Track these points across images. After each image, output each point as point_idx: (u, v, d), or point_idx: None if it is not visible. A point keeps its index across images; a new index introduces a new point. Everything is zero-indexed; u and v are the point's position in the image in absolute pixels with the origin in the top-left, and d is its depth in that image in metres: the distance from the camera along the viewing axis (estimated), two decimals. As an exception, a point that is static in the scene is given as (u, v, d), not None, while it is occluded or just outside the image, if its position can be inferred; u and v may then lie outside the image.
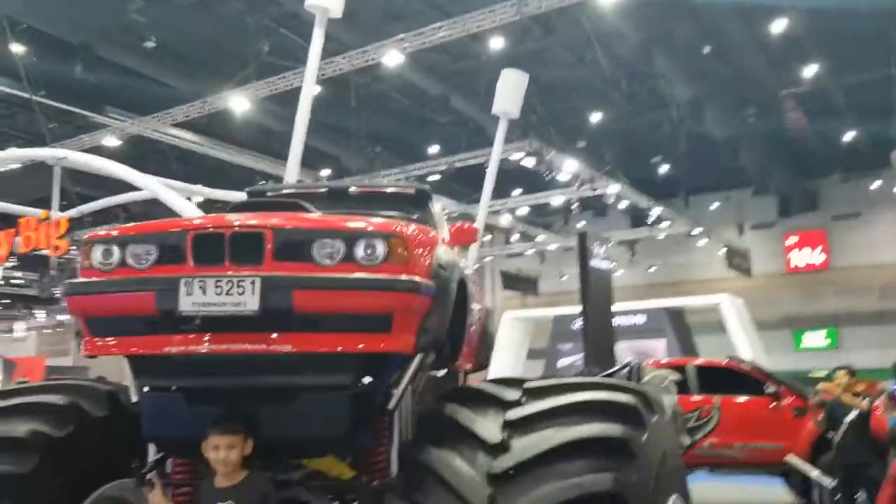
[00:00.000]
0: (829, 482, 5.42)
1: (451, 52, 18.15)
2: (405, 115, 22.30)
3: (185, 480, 3.89)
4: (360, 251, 3.43)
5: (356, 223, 3.59)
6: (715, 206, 30.21)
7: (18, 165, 18.33)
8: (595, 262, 19.08)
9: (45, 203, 15.81)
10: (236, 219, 3.52)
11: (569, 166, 20.99)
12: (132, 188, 15.58)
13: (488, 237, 33.03)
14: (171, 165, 21.74)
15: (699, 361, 11.57)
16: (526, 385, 3.72)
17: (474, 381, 6.37)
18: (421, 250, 3.62)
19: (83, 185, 18.83)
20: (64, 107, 18.62)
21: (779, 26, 16.54)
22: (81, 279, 3.57)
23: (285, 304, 3.32)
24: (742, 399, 10.26)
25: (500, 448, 3.27)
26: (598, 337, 18.65)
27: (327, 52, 13.21)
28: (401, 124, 22.56)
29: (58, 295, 20.40)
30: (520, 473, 3.15)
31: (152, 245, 3.50)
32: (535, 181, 23.74)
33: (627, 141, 23.77)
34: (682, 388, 10.38)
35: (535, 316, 30.79)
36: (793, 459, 5.66)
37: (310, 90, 8.86)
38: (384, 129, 22.40)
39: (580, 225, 28.26)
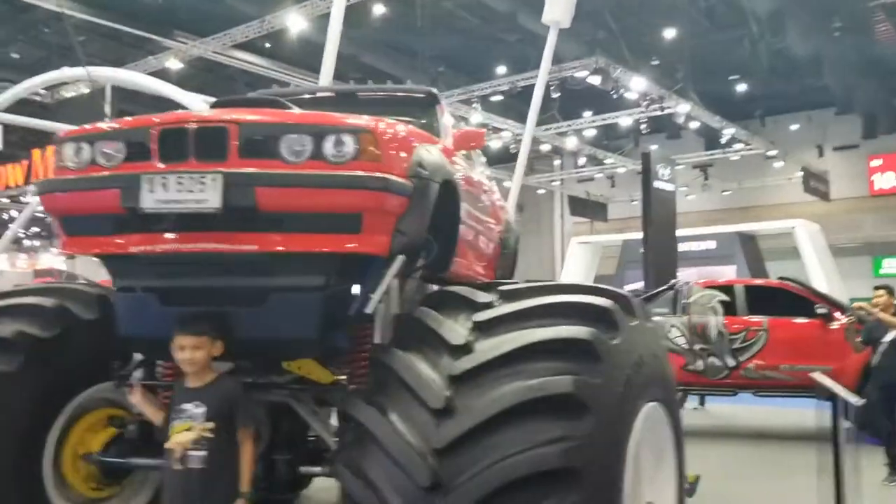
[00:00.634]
0: (856, 401, 5.16)
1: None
2: (472, 34, 21.80)
3: (172, 382, 3.92)
4: (328, 148, 3.30)
5: (325, 118, 3.46)
6: (795, 127, 28.94)
7: (87, 90, 18.80)
8: (659, 184, 18.64)
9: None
10: (201, 114, 3.44)
11: (637, 84, 20.30)
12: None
13: (557, 161, 32.54)
14: (241, 90, 21.94)
15: (748, 281, 11.18)
16: (501, 288, 3.59)
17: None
18: (396, 148, 3.47)
19: (146, 108, 19.18)
20: (131, 30, 18.88)
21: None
22: (52, 178, 3.57)
23: (248, 201, 3.23)
24: (791, 320, 9.90)
25: (464, 350, 3.17)
26: (660, 260, 18.33)
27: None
28: (468, 44, 22.07)
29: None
30: (479, 375, 3.04)
31: (120, 142, 3.45)
32: (605, 102, 23.11)
33: (702, 58, 22.71)
34: (731, 308, 10.13)
35: (603, 241, 30.40)
36: (819, 377, 5.40)
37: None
38: (451, 50, 21.99)
39: (653, 147, 27.48)
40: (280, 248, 3.30)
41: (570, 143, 25.43)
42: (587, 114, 25.05)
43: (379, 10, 19.00)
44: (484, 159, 6.45)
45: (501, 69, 22.96)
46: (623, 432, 3.10)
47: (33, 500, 3.86)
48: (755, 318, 10.03)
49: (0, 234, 18.54)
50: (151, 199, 3.28)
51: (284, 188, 3.27)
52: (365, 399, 3.20)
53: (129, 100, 17.28)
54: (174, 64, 18.85)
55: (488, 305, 3.40)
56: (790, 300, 10.01)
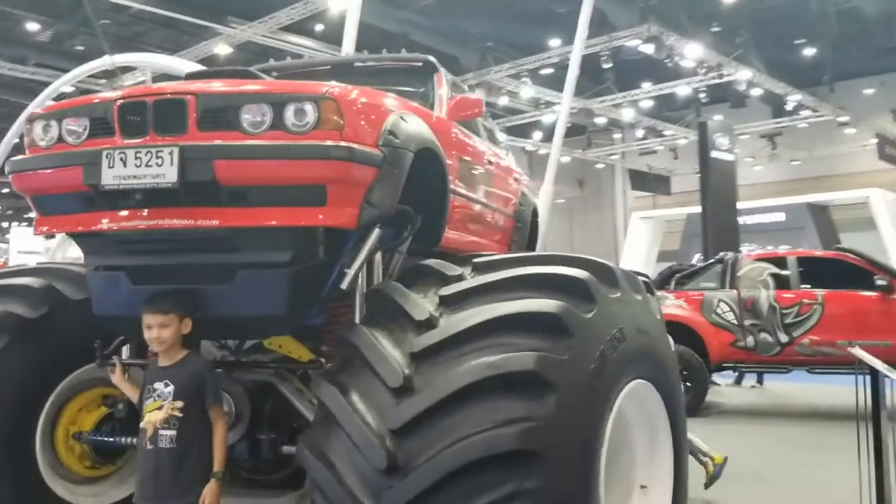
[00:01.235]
0: (896, 376, 4.80)
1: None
2: (522, 8, 21.38)
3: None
4: (289, 117, 3.15)
5: (286, 87, 3.31)
6: (869, 91, 27.66)
7: (142, 78, 19.11)
8: (717, 154, 18.05)
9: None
10: (161, 87, 3.33)
11: (693, 52, 19.64)
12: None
13: (617, 135, 31.85)
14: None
15: (802, 253, 10.67)
16: (476, 260, 3.40)
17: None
18: (363, 116, 3.30)
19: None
20: (186, 18, 19.11)
21: None
22: (21, 156, 3.52)
23: (206, 175, 3.11)
24: (848, 293, 9.38)
25: (427, 326, 3.00)
26: (721, 234, 17.76)
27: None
28: (517, 18, 21.67)
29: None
30: (440, 352, 2.87)
31: (85, 118, 3.38)
32: (664, 72, 22.44)
33: (765, 22, 21.84)
34: (783, 282, 9.68)
35: (665, 216, 29.75)
36: (858, 352, 5.05)
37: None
38: (501, 24, 21.65)
39: (718, 118, 26.62)
40: (242, 224, 3.17)
41: (627, 114, 24.79)
42: (646, 85, 24.38)
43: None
44: (497, 129, 6.22)
45: (555, 42, 22.48)
46: (596, 412, 2.88)
47: (24, 478, 3.85)
48: (809, 291, 9.57)
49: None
50: (111, 175, 3.19)
51: (243, 160, 3.14)
52: (327, 378, 3.06)
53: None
54: (223, 49, 19.00)
55: (458, 278, 3.22)
56: (847, 272, 9.49)
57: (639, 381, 3.20)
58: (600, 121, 26.11)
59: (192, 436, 3.27)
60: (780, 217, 26.70)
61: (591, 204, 36.25)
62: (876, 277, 9.20)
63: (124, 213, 3.26)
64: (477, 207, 4.82)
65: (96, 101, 3.42)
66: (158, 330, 3.28)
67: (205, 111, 3.19)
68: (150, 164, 3.15)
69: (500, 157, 5.60)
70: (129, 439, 3.92)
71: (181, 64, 13.04)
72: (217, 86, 3.35)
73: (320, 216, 3.19)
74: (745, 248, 15.54)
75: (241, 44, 19.38)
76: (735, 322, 9.62)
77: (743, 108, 27.46)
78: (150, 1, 18.49)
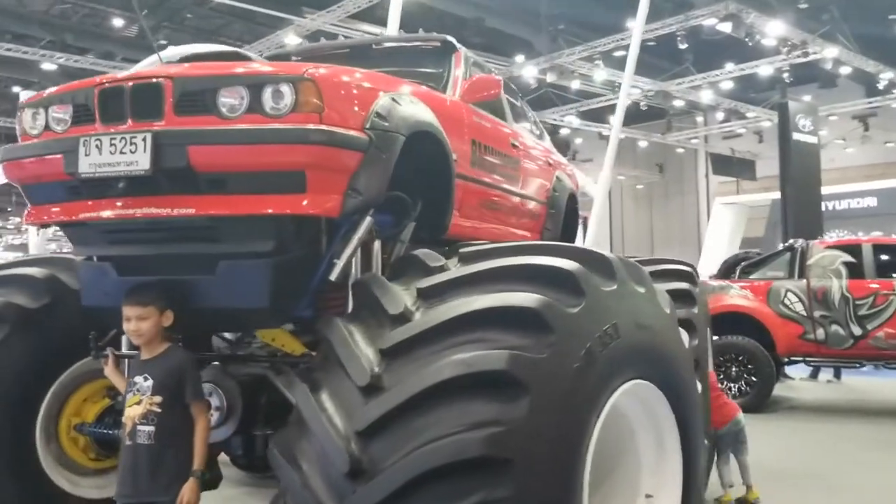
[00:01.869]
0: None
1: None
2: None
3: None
4: (267, 100, 3.01)
5: (264, 69, 3.16)
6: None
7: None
8: (800, 137, 17.23)
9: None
10: (141, 71, 3.23)
11: (774, 30, 18.70)
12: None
13: (700, 118, 30.81)
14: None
15: (878, 240, 10.00)
16: (464, 249, 3.19)
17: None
18: (346, 98, 3.13)
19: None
20: (261, 10, 19.31)
21: None
22: (10, 145, 3.48)
23: (181, 161, 3.00)
24: (928, 283, 8.75)
25: (401, 320, 2.81)
26: (804, 220, 16.97)
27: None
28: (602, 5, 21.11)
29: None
30: (412, 349, 2.67)
31: (69, 105, 3.31)
32: (747, 52, 21.52)
33: (855, -2, 20.71)
34: (857, 271, 9.11)
35: (749, 201, 28.71)
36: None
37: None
38: (575, 6, 21.11)
39: (805, 98, 25.43)
40: (219, 212, 3.05)
41: (706, 97, 23.90)
42: (730, 65, 23.43)
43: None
44: (529, 111, 5.95)
45: (631, 23, 21.75)
46: (579, 416, 2.63)
47: (25, 470, 3.84)
48: (887, 281, 8.96)
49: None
50: (87, 163, 3.12)
51: (218, 146, 3.01)
52: (300, 375, 2.91)
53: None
54: (293, 39, 19.09)
55: (440, 270, 3.02)
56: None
57: (638, 381, 2.93)
58: (678, 103, 25.21)
59: (172, 432, 3.17)
60: (872, 202, 25.45)
61: (671, 189, 35.26)
62: (960, 266, 8.55)
63: (104, 202, 3.19)
64: (498, 194, 4.59)
65: (79, 87, 3.34)
66: (137, 322, 3.18)
67: (181, 95, 3.08)
68: (125, 151, 3.06)
69: (529, 141, 5.35)
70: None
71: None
72: (194, 69, 3.22)
73: (300, 204, 3.04)
74: (832, 235, 14.76)
75: (312, 33, 19.42)
76: (804, 313, 9.10)
77: (833, 87, 26.06)
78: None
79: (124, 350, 3.74)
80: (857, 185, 24.92)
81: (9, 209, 33.31)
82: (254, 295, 3.17)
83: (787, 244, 9.87)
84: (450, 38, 4.82)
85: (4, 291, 3.88)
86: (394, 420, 2.55)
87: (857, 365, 9.31)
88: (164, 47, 21.92)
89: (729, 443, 5.51)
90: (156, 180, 3.05)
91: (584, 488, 2.63)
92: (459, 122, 4.13)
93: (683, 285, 5.26)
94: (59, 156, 3.22)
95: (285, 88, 3.01)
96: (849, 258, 9.16)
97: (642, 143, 31.00)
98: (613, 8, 21.16)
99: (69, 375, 3.97)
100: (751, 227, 28.39)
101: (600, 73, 21.34)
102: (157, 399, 3.17)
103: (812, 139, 16.72)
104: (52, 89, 3.53)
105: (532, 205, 5.25)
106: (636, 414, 3.09)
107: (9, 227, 39.66)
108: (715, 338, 9.42)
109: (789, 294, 9.18)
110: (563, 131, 29.19)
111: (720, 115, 26.89)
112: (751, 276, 9.82)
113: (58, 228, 3.66)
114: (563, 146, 33.50)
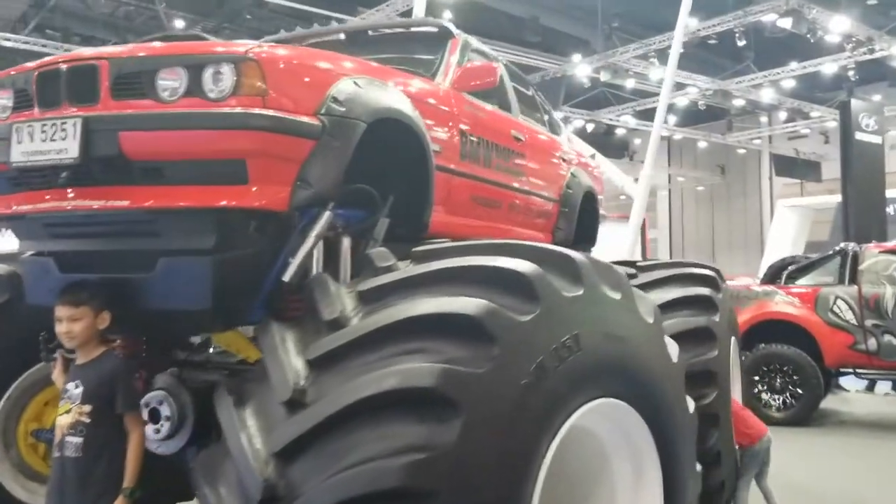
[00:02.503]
0: None
1: None
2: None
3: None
4: (207, 82, 2.76)
5: (205, 47, 2.90)
6: None
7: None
8: (863, 137, 16.38)
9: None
10: (79, 52, 3.01)
11: (838, 26, 17.87)
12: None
13: (764, 118, 29.81)
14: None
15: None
16: (418, 248, 2.89)
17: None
18: (294, 80, 2.87)
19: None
20: (318, 10, 19.28)
21: None
22: None
23: (112, 149, 2.77)
24: None
25: (335, 327, 2.51)
26: (866, 223, 16.11)
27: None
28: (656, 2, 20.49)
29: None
30: (341, 360, 2.37)
31: (10, 90, 3.11)
32: (811, 49, 20.64)
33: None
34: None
35: (814, 204, 27.61)
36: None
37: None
38: (631, 3, 20.54)
39: (875, 98, 24.33)
40: (155, 204, 2.81)
41: (767, 95, 23.02)
42: (793, 64, 22.53)
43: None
44: (542, 103, 5.59)
45: (692, 22, 21.06)
46: (525, 441, 2.29)
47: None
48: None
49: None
50: (19, 151, 2.93)
51: (151, 132, 2.78)
52: (228, 387, 2.63)
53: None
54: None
55: (386, 270, 2.71)
56: None
57: (607, 400, 2.57)
58: (738, 103, 24.35)
59: (101, 445, 2.92)
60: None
61: (734, 191, 34.23)
62: None
63: (39, 193, 2.99)
64: (495, 189, 4.26)
65: (19, 71, 3.14)
66: (68, 324, 2.95)
67: (118, 77, 2.86)
68: (55, 139, 2.86)
69: (537, 134, 5.00)
70: None
71: None
72: (131, 50, 2.98)
73: (242, 196, 2.78)
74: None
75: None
76: (855, 322, 8.50)
77: (904, 85, 25.00)
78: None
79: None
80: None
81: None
82: (194, 295, 2.91)
83: (837, 248, 9.25)
84: (446, 23, 4.52)
85: None
86: (313, 441, 2.25)
87: (915, 378, 8.68)
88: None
89: (751, 464, 5.06)
90: (88, 170, 2.84)
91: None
92: (446, 110, 3.82)
93: (703, 291, 4.85)
94: None
95: (226, 69, 2.76)
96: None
97: (701, 144, 30.15)
98: (670, 5, 20.56)
99: (29, 378, 3.77)
100: (816, 231, 27.27)
101: (655, 72, 20.72)
102: (86, 408, 2.93)
103: (876, 139, 15.88)
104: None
105: (541, 202, 4.91)
106: (610, 436, 2.73)
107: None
108: (761, 346, 8.92)
109: (839, 301, 8.60)
110: (619, 131, 28.54)
111: (782, 115, 25.91)
112: (798, 282, 9.25)
113: None
114: (620, 147, 32.87)
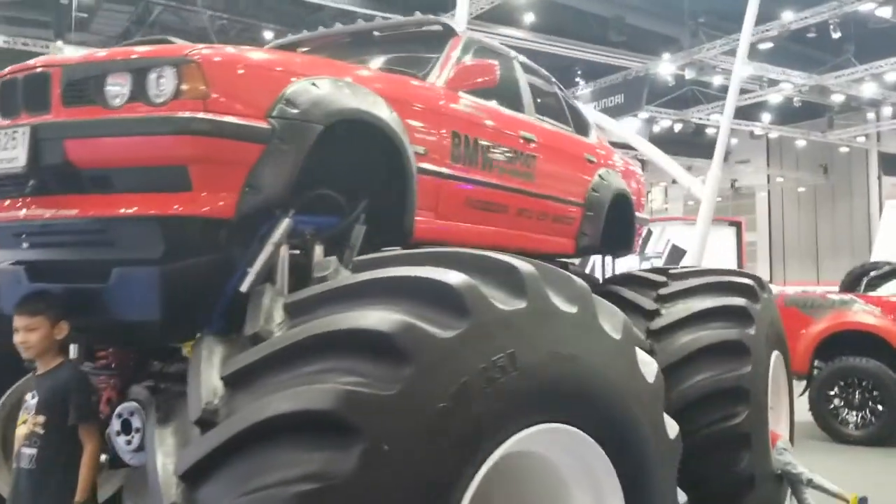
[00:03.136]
0: None
1: None
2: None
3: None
4: (151, 87, 2.69)
5: (151, 51, 2.82)
6: None
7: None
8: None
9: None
10: (38, 60, 2.98)
11: (945, 13, 16.70)
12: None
13: (871, 114, 28.20)
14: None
15: None
16: (358, 258, 2.72)
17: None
18: (241, 82, 2.77)
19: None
20: (390, 15, 19.39)
21: None
22: None
23: (58, 157, 2.75)
24: None
25: (255, 341, 2.37)
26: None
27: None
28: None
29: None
30: (254, 378, 2.21)
31: None
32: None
33: None
34: None
35: (925, 204, 25.98)
36: None
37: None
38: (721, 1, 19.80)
39: None
40: (102, 213, 2.77)
41: (868, 90, 21.75)
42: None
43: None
44: (567, 101, 5.32)
45: (788, 16, 20.09)
46: (442, 469, 2.08)
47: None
48: None
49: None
50: None
51: (95, 139, 2.75)
52: (157, 404, 2.53)
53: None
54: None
55: (319, 280, 2.56)
56: None
57: (555, 426, 2.33)
58: (837, 98, 23.09)
59: (55, 456, 2.87)
60: None
61: (839, 192, 32.54)
62: None
63: (1, 202, 2.98)
64: (498, 193, 4.04)
65: None
66: (24, 333, 2.92)
67: (68, 85, 2.83)
68: (7, 147, 2.83)
69: (554, 135, 4.75)
70: None
71: None
72: (82, 56, 2.93)
73: (186, 203, 2.70)
74: None
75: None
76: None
77: None
78: (367, 4, 18.86)
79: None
80: None
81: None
82: (145, 306, 2.82)
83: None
84: (449, 22, 4.33)
85: None
86: (216, 464, 2.10)
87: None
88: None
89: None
90: (38, 178, 2.81)
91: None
92: (434, 111, 3.64)
93: (738, 301, 4.51)
94: None
95: (168, 73, 2.68)
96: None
97: (799, 143, 28.83)
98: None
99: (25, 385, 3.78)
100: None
101: (746, 68, 19.85)
102: (40, 419, 2.89)
103: None
104: None
105: (560, 206, 4.65)
106: (565, 463, 2.48)
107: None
108: (845, 358, 8.33)
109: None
110: (709, 131, 27.54)
111: (887, 111, 24.45)
112: (879, 290, 8.60)
113: None
114: (712, 147, 31.74)
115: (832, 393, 8.27)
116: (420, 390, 2.06)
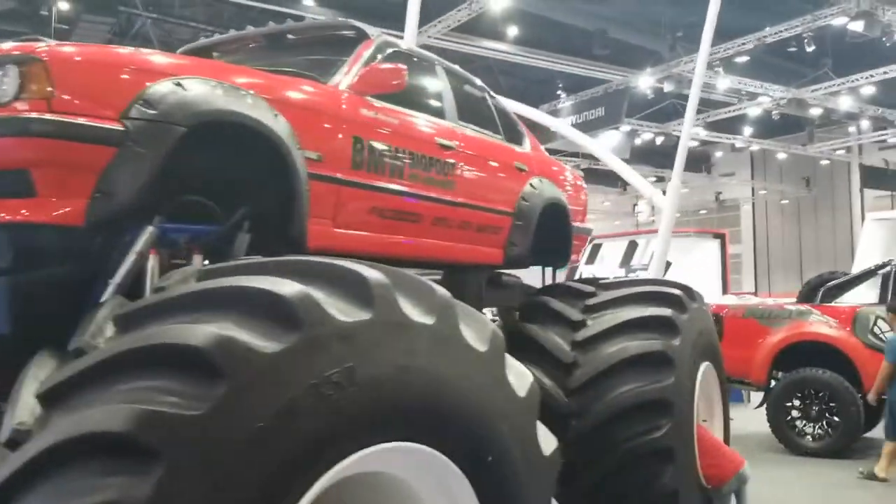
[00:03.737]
0: None
1: None
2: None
3: None
4: None
5: (-1, 49, 2.68)
6: None
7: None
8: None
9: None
10: None
11: (918, 26, 16.68)
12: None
13: (853, 127, 28.23)
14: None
15: None
16: (206, 268, 2.57)
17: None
18: (91, 82, 2.63)
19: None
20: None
21: None
22: None
23: None
24: None
25: (77, 356, 2.22)
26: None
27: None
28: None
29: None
30: (69, 396, 2.05)
31: None
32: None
33: None
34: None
35: (905, 217, 25.96)
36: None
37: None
38: (696, 13, 19.73)
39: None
40: None
41: (845, 103, 21.73)
42: (871, 70, 21.18)
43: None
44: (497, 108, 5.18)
45: (762, 28, 20.04)
46: (260, 492, 1.91)
47: None
48: None
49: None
50: None
51: None
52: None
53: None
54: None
55: (158, 291, 2.40)
56: None
57: (404, 444, 2.17)
58: (815, 112, 23.06)
59: None
60: None
61: (822, 205, 32.57)
62: None
63: None
64: (409, 201, 3.89)
65: None
66: None
67: None
68: None
69: (479, 142, 4.61)
70: None
71: None
72: None
73: (30, 210, 2.55)
74: None
75: (418, 47, 19.12)
76: (898, 345, 7.69)
77: None
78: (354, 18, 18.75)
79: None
80: None
81: None
82: None
83: (877, 264, 8.43)
84: (361, 25, 4.19)
85: None
86: (15, 492, 1.94)
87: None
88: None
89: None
90: None
91: None
92: (331, 115, 3.49)
93: (663, 312, 4.37)
94: None
95: (11, 71, 2.54)
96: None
97: (780, 156, 28.86)
98: (739, 13, 19.65)
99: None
100: (908, 247, 25.60)
101: (723, 81, 19.84)
102: None
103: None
104: None
105: (484, 215, 4.50)
106: (422, 485, 2.31)
107: None
108: (803, 370, 8.18)
109: (880, 322, 7.80)
110: (691, 143, 27.51)
111: (865, 124, 24.41)
112: (835, 301, 8.48)
113: None
114: (698, 160, 31.77)
115: (789, 405, 8.13)
116: (235, 409, 1.90)
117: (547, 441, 2.60)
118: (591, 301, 4.59)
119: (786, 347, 8.26)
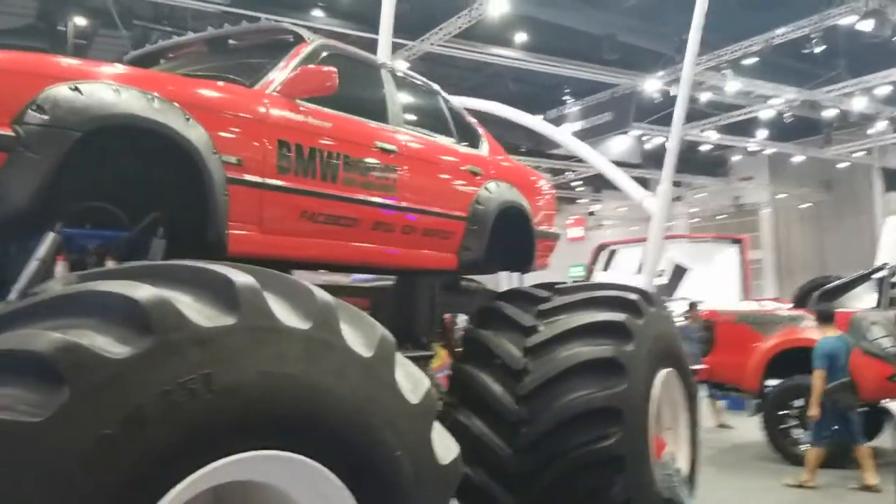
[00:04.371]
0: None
1: None
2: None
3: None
4: None
5: None
6: None
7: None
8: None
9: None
10: None
11: (929, 25, 16.37)
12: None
13: (873, 129, 27.79)
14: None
15: None
16: (82, 273, 2.51)
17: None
18: None
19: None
20: (371, 36, 19.34)
21: None
22: None
23: None
24: None
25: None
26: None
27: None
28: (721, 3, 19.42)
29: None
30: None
31: None
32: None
33: None
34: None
35: (926, 219, 25.46)
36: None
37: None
38: (712, 17, 19.57)
39: None
40: None
41: (859, 104, 21.38)
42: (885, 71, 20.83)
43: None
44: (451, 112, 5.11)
45: (771, 27, 19.83)
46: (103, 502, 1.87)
47: None
48: None
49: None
50: None
51: None
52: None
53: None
54: (401, 64, 18.90)
55: (27, 296, 2.36)
56: None
57: (275, 453, 2.10)
58: (829, 113, 22.72)
59: None
60: None
61: (844, 209, 32.06)
62: None
63: None
64: (343, 205, 3.83)
65: None
66: None
67: None
68: None
69: (427, 145, 4.54)
70: None
71: None
72: None
73: None
74: None
75: (421, 55, 19.15)
76: (893, 350, 7.50)
77: None
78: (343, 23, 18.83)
79: None
80: None
81: None
82: None
83: (873, 268, 8.23)
84: (299, 30, 4.15)
85: None
86: None
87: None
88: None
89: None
90: None
91: None
92: (253, 118, 3.44)
93: (616, 317, 4.27)
94: None
95: None
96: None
97: (797, 159, 28.47)
98: (748, 15, 19.45)
99: None
100: (929, 249, 25.10)
101: (732, 84, 19.62)
102: None
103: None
104: None
105: (431, 219, 4.43)
106: (303, 496, 2.25)
107: None
108: (797, 376, 7.99)
109: (874, 327, 7.62)
110: (704, 147, 27.25)
111: (881, 125, 24.00)
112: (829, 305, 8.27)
113: None
114: (713, 164, 31.44)
115: (782, 413, 7.95)
116: (77, 416, 1.84)
117: (446, 449, 2.52)
118: (545, 306, 4.50)
119: (779, 353, 8.08)
